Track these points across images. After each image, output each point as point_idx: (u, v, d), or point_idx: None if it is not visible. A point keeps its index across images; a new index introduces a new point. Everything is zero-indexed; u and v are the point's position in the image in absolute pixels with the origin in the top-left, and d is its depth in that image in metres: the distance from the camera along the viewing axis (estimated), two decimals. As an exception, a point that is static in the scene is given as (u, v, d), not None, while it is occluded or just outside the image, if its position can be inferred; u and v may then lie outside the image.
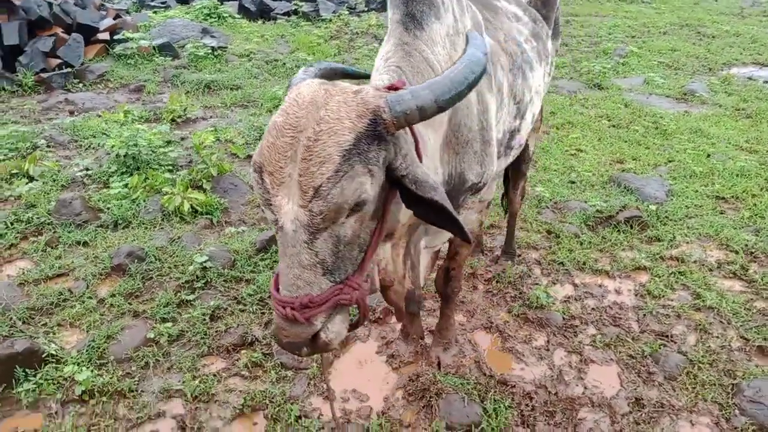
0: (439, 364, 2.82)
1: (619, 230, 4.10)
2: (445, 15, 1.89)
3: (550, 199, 4.50)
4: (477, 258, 3.76)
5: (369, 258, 1.52)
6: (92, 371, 2.69)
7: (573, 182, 4.83)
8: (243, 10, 11.11)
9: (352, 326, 1.64)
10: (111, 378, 2.67)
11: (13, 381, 2.63)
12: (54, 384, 2.63)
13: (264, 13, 11.09)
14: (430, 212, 1.52)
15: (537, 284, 3.47)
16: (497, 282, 3.53)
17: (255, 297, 3.26)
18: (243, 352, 2.90)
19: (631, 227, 4.11)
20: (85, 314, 3.10)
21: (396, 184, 1.49)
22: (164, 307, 3.14)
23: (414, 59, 1.78)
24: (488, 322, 3.18)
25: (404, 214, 1.74)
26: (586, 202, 4.40)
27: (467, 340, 3.03)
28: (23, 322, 3.01)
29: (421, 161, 1.63)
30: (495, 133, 2.15)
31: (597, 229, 4.14)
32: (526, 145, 3.31)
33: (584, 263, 3.71)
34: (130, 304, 3.17)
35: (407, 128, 1.56)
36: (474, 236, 2.43)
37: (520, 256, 3.80)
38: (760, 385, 2.71)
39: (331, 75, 1.80)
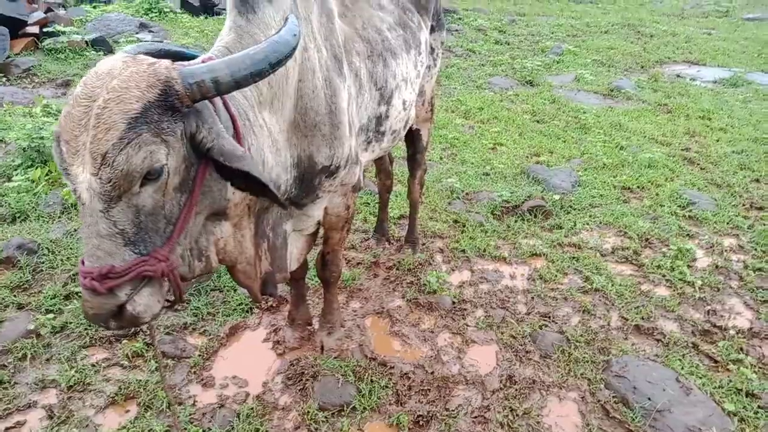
0: (322, 347, 2.86)
1: (523, 219, 4.23)
2: (279, 1, 1.92)
3: (462, 191, 4.60)
4: (382, 247, 3.83)
5: (179, 231, 1.54)
6: (-36, 364, 2.64)
7: (487, 174, 4.94)
8: (185, 5, 10.96)
9: (172, 303, 1.66)
10: (-17, 370, 2.63)
11: None
12: None
13: (207, 9, 10.97)
14: (242, 182, 1.55)
15: (434, 271, 3.54)
16: (397, 269, 3.59)
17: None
18: (125, 342, 2.88)
19: (535, 216, 4.24)
20: (-33, 308, 3.03)
21: (205, 157, 1.52)
22: (51, 299, 3.10)
23: (244, 41, 1.81)
24: (380, 307, 3.24)
25: (235, 193, 1.77)
26: (495, 193, 4.51)
27: (356, 325, 3.08)
28: None
29: (240, 138, 1.67)
30: (347, 117, 2.20)
31: (502, 219, 4.25)
32: (419, 135, 3.39)
33: (484, 250, 3.81)
34: (15, 296, 3.12)
35: (217, 103, 1.60)
36: (343, 220, 2.48)
37: (424, 244, 3.87)
38: (627, 361, 2.84)
39: (162, 56, 1.82)
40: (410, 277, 3.51)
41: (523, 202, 4.35)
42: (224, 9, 10.87)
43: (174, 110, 1.42)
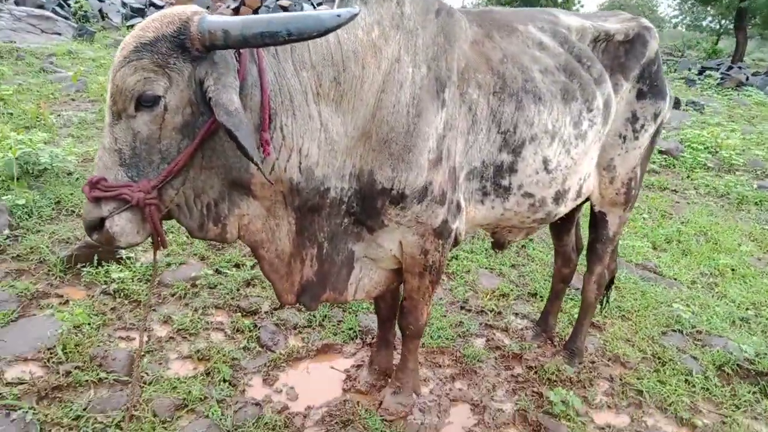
0: (381, 403, 2.53)
1: (763, 393, 2.93)
2: (376, 5, 1.85)
3: (691, 325, 3.47)
4: (537, 342, 3.17)
5: (170, 171, 1.60)
6: None
7: (745, 320, 3.60)
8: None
9: (154, 245, 1.73)
10: None
11: None
12: None
13: None
14: (231, 140, 1.52)
15: (567, 391, 2.73)
16: (534, 372, 2.93)
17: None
18: (239, 317, 3.12)
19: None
20: None
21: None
22: (224, 261, 3.60)
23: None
24: (480, 401, 2.67)
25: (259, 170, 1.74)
26: (739, 344, 3.25)
27: (438, 402, 2.61)
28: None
29: (266, 110, 1.65)
30: (430, 145, 1.93)
31: (730, 381, 3.03)
32: (603, 220, 2.74)
33: (671, 405, 2.77)
34: (201, 250, 3.74)
35: (250, 68, 1.63)
36: (420, 265, 2.18)
37: (592, 363, 3.06)
38: None
39: None
40: (541, 387, 2.81)
41: (775, 372, 3.02)
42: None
43: (184, 50, 1.52)
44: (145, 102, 1.53)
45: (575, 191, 2.45)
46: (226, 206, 1.80)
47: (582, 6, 46.65)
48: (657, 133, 2.67)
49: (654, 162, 7.18)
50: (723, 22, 33.52)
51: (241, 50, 1.61)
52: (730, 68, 16.89)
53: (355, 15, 1.54)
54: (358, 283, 2.23)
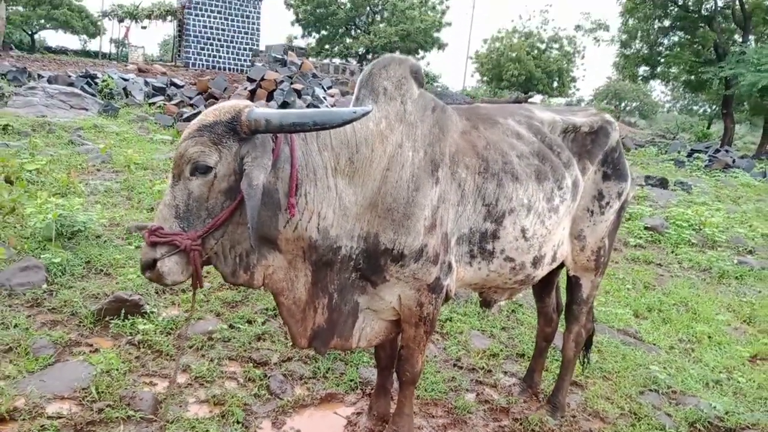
0: (378, 446, 2.81)
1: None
2: (384, 103, 2.34)
3: (667, 385, 3.75)
4: (524, 398, 3.45)
5: (214, 224, 2.02)
6: None
7: (718, 383, 3.88)
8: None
9: (193, 284, 2.12)
10: None
11: None
12: None
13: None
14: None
15: None
16: (519, 424, 3.19)
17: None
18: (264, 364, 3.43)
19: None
20: None
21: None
22: (240, 315, 3.95)
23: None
24: (469, 447, 2.95)
25: (286, 228, 2.16)
26: (710, 402, 3.52)
27: (430, 447, 2.89)
28: None
29: (294, 181, 2.09)
30: (425, 214, 2.34)
31: (703, 437, 3.28)
32: (578, 284, 3.12)
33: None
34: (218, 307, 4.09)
35: (284, 148, 2.08)
36: (416, 316, 2.53)
37: (573, 417, 3.32)
38: None
39: None
40: (524, 438, 3.08)
41: (742, 429, 3.27)
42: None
43: (235, 132, 1.99)
44: (200, 169, 1.99)
45: (551, 256, 2.85)
46: (255, 257, 2.21)
47: (578, 89, 49.25)
48: (622, 208, 3.11)
49: (640, 237, 7.62)
50: (713, 107, 35.19)
51: (277, 134, 2.08)
52: (717, 151, 17.76)
53: (368, 112, 2.03)
54: (361, 331, 2.58)
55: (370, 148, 2.28)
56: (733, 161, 16.16)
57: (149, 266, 2.04)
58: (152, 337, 3.52)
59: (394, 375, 2.92)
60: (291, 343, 2.45)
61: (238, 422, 2.89)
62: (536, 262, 2.77)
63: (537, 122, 2.81)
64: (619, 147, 3.00)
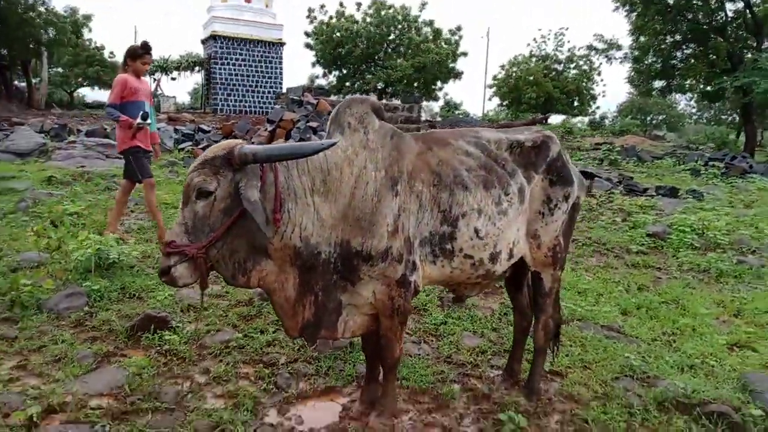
0: (367, 423, 3.24)
1: (695, 422, 3.48)
2: (349, 134, 2.89)
3: (642, 371, 4.07)
4: (505, 386, 3.83)
5: (215, 237, 2.55)
6: None
7: (693, 368, 4.18)
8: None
9: (200, 286, 2.65)
10: None
11: None
12: None
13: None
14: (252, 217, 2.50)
15: (513, 414, 3.34)
16: (497, 405, 3.58)
17: None
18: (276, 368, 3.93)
19: (714, 425, 3.42)
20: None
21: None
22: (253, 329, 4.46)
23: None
24: (449, 425, 3.35)
25: (274, 239, 2.69)
26: (680, 384, 3.83)
27: (414, 426, 3.31)
28: None
29: (278, 199, 2.62)
30: (387, 221, 2.82)
31: (669, 413, 3.60)
32: (539, 278, 3.53)
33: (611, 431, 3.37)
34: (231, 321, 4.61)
35: (269, 175, 2.62)
36: (389, 309, 3.00)
37: (549, 399, 3.69)
38: None
39: None
40: (500, 416, 3.46)
41: (705, 403, 3.58)
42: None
43: (230, 164, 2.54)
44: (203, 194, 2.54)
45: (507, 253, 3.28)
46: (251, 263, 2.73)
47: (598, 107, 49.23)
48: (574, 209, 3.54)
49: (642, 244, 7.89)
50: (735, 116, 34.82)
51: (263, 164, 2.62)
52: (734, 158, 17.74)
53: (334, 144, 2.59)
54: (345, 324, 3.06)
55: (339, 171, 2.81)
56: (750, 167, 16.15)
57: (165, 272, 2.59)
58: (177, 347, 4.07)
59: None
60: (286, 335, 2.94)
61: (248, 410, 3.37)
62: (493, 258, 3.22)
63: (484, 141, 3.29)
64: (561, 157, 3.45)
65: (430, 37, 38.41)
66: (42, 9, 29.20)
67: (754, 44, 24.35)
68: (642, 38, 26.49)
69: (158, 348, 4.08)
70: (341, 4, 38.13)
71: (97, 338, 4.19)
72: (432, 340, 4.54)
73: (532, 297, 3.67)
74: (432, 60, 36.44)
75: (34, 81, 33.87)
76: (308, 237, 2.77)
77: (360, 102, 3.02)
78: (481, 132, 3.39)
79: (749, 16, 23.88)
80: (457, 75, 39.22)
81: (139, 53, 6.47)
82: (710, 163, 17.08)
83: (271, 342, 4.29)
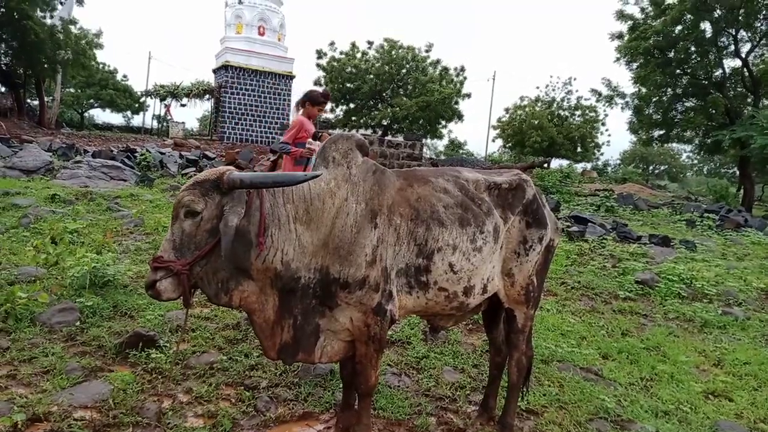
0: (339, 450, 3.33)
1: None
2: (333, 168, 3.07)
3: (616, 414, 4.15)
4: (480, 422, 3.91)
5: (199, 254, 2.70)
6: None
7: (666, 414, 4.26)
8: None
9: (184, 302, 2.79)
10: None
11: None
12: None
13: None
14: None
15: None
16: (469, 440, 3.67)
17: None
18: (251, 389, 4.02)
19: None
20: None
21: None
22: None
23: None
24: (421, 456, 3.44)
25: (256, 261, 2.84)
26: (650, 426, 3.91)
27: (386, 454, 3.39)
28: None
29: (262, 225, 2.78)
30: (366, 251, 2.97)
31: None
32: (512, 315, 3.65)
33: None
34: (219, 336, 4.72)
35: (254, 200, 2.79)
36: (365, 335, 3.13)
37: (522, 436, 3.78)
38: None
39: None
40: (473, 450, 3.54)
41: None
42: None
43: (218, 188, 2.72)
44: (191, 213, 2.71)
45: (480, 288, 3.42)
46: (233, 283, 2.88)
47: (602, 153, 49.80)
48: (548, 251, 3.69)
49: (630, 291, 8.00)
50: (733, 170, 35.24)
51: (250, 190, 2.81)
52: (729, 211, 17.92)
53: (317, 176, 2.77)
54: (323, 349, 3.18)
55: (322, 202, 2.99)
56: (746, 221, 16.31)
57: (151, 286, 2.73)
58: (162, 365, 4.17)
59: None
60: (264, 355, 3.06)
61: (225, 431, 3.46)
62: (467, 292, 3.35)
63: (463, 180, 3.48)
64: (536, 200, 3.62)
65: (436, 77, 39.27)
66: (60, 31, 29.97)
67: (752, 101, 24.91)
68: (643, 89, 27.10)
69: (144, 365, 4.18)
70: (354, 44, 39.17)
71: (87, 353, 4.30)
72: (413, 373, 4.63)
73: (505, 334, 3.79)
74: (436, 99, 37.17)
75: (46, 100, 34.56)
76: (289, 262, 2.92)
77: (345, 138, 3.23)
78: (462, 172, 3.58)
79: (746, 74, 24.51)
80: (460, 116, 39.90)
81: (320, 101, 6.72)
82: (705, 214, 17.27)
83: (254, 366, 4.39)
